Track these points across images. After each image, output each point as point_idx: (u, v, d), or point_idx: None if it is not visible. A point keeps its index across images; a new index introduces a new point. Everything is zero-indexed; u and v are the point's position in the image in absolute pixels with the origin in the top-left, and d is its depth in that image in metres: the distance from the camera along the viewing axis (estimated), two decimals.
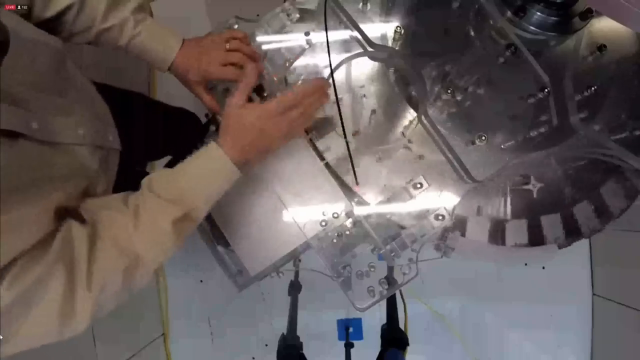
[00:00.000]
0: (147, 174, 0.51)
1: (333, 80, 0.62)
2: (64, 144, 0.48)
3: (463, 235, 0.65)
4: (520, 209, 0.66)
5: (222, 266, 0.67)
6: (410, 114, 0.65)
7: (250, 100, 0.63)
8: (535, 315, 1.44)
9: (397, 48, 0.65)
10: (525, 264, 1.44)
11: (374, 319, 1.16)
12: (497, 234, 0.66)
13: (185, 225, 0.48)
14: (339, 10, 0.65)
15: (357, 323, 1.37)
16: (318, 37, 0.65)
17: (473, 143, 0.59)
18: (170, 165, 0.70)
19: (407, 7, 0.67)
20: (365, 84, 0.66)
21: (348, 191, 0.64)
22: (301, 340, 0.99)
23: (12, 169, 0.39)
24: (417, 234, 0.61)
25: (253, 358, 1.52)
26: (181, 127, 0.91)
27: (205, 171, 0.49)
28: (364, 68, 0.66)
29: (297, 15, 0.66)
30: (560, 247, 0.68)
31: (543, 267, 1.44)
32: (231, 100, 0.51)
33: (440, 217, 0.61)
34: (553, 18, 0.60)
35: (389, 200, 0.63)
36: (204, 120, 0.95)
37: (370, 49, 0.65)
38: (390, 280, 0.62)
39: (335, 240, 0.63)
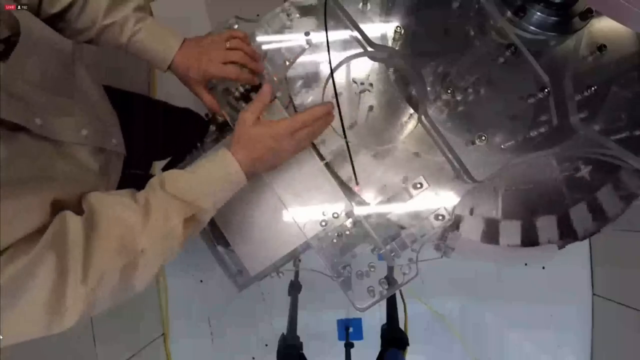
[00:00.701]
0: (148, 176, 0.51)
1: (333, 81, 0.62)
2: (66, 143, 0.48)
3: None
4: (515, 210, 0.66)
5: (222, 266, 0.67)
6: (408, 113, 0.65)
7: (249, 99, 0.64)
8: (535, 315, 1.44)
9: (397, 48, 0.65)
10: (525, 264, 1.44)
11: (374, 319, 1.16)
12: (491, 233, 0.66)
13: (191, 226, 0.48)
14: (339, 10, 0.65)
15: (357, 323, 1.37)
16: (318, 37, 0.65)
17: (473, 143, 0.59)
18: (170, 165, 0.70)
19: (407, 7, 0.67)
20: (365, 83, 0.66)
21: (348, 191, 0.64)
22: (301, 340, 0.99)
23: (12, 162, 0.39)
24: (417, 234, 0.61)
25: (253, 358, 1.52)
26: (183, 127, 0.91)
27: (217, 176, 0.50)
28: (363, 68, 0.66)
29: (297, 15, 0.66)
30: (560, 247, 0.68)
31: (543, 267, 1.44)
32: (245, 115, 0.53)
33: (440, 217, 0.61)
34: (553, 18, 0.60)
35: (389, 200, 0.63)
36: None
37: (370, 49, 0.65)
38: (390, 280, 0.62)
39: (335, 240, 0.63)
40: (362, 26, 0.64)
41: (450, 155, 0.62)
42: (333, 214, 0.62)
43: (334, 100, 0.62)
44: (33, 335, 0.39)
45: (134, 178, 0.64)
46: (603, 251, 1.39)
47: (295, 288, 1.13)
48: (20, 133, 0.42)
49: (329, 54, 0.63)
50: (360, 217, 0.62)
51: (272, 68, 0.65)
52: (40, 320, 0.38)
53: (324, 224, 0.62)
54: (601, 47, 0.63)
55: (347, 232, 0.64)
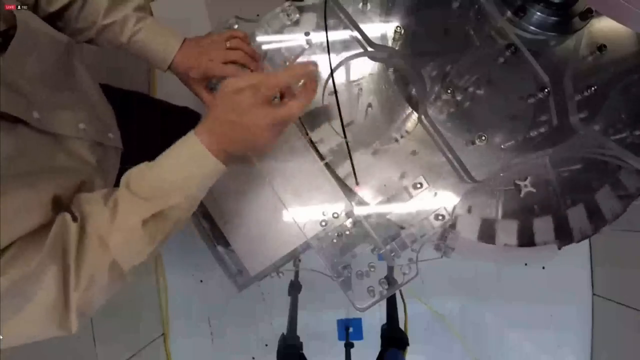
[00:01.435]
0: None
1: (333, 81, 0.62)
2: (64, 136, 0.48)
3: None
4: (512, 210, 0.66)
5: (222, 266, 0.67)
6: (406, 112, 0.65)
7: None
8: (535, 315, 1.44)
9: (397, 48, 0.65)
10: (525, 264, 1.44)
11: (374, 319, 1.16)
12: (487, 233, 0.66)
13: (160, 225, 0.44)
14: (339, 10, 0.65)
15: (357, 323, 1.37)
16: (318, 37, 0.65)
17: (473, 143, 0.59)
18: None
19: (407, 7, 0.67)
20: (365, 83, 0.66)
21: (348, 191, 0.64)
22: (301, 340, 0.99)
23: (12, 156, 0.39)
24: (417, 234, 0.61)
25: (253, 358, 1.52)
26: (182, 126, 0.91)
27: (181, 163, 0.45)
28: (363, 67, 0.66)
29: (297, 15, 0.66)
30: (559, 247, 0.68)
31: (543, 267, 1.44)
32: (226, 82, 0.44)
33: (440, 217, 0.61)
34: (553, 18, 0.60)
35: (388, 200, 0.63)
36: None
37: (370, 49, 0.65)
38: (390, 280, 0.62)
39: (335, 240, 0.63)
40: (362, 26, 0.64)
41: (450, 155, 0.62)
42: (333, 214, 0.62)
43: (335, 100, 0.62)
44: (36, 337, 0.40)
45: None
46: (603, 251, 1.39)
47: (295, 288, 1.13)
48: (19, 126, 0.42)
49: (328, 54, 0.63)
50: (360, 217, 0.62)
51: (272, 68, 0.65)
52: (45, 323, 0.39)
53: (324, 224, 0.62)
54: (601, 47, 0.63)
55: (347, 232, 0.64)
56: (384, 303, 1.03)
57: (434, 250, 0.67)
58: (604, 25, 0.65)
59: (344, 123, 0.63)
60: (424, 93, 0.62)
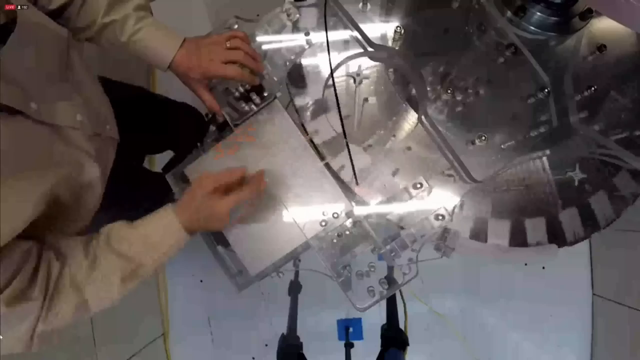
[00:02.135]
0: (143, 168, 0.51)
1: (333, 81, 0.62)
2: (62, 127, 0.50)
3: None
4: (505, 210, 0.66)
5: (222, 266, 0.67)
6: (408, 113, 0.65)
7: (249, 99, 0.64)
8: (535, 315, 1.44)
9: (397, 48, 0.65)
10: (525, 264, 1.44)
11: (374, 319, 1.16)
12: (479, 231, 0.66)
13: (132, 280, 0.52)
14: (339, 10, 0.65)
15: (357, 323, 1.37)
16: (318, 37, 0.65)
17: (473, 143, 0.59)
18: (171, 163, 0.70)
19: (407, 7, 0.67)
20: (364, 82, 0.66)
21: (348, 191, 0.64)
22: (301, 340, 0.99)
23: (10, 145, 0.41)
24: (417, 234, 0.61)
25: (253, 358, 1.52)
26: (182, 121, 0.91)
27: (158, 230, 0.54)
28: (363, 67, 0.66)
29: (298, 15, 0.66)
30: (559, 247, 0.68)
31: (543, 267, 1.44)
32: (203, 180, 0.55)
33: (440, 217, 0.61)
34: (553, 18, 0.60)
35: (388, 200, 0.63)
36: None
37: (370, 49, 0.65)
38: (390, 280, 0.62)
39: (335, 240, 0.63)
40: (362, 26, 0.64)
41: (450, 155, 0.62)
42: (333, 214, 0.62)
43: (334, 100, 0.62)
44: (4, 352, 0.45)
45: (127, 168, 0.68)
46: (603, 251, 1.39)
47: (295, 288, 1.13)
48: (18, 117, 0.43)
49: (329, 54, 0.63)
50: (360, 217, 0.62)
51: (272, 68, 0.65)
52: (10, 347, 0.45)
53: (324, 224, 0.62)
54: (601, 47, 0.63)
55: (347, 232, 0.64)
56: (384, 303, 1.03)
57: (434, 250, 0.67)
58: (604, 25, 0.65)
59: (340, 116, 0.63)
60: (424, 93, 0.62)
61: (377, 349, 0.94)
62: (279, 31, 0.66)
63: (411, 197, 0.62)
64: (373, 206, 0.63)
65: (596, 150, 0.62)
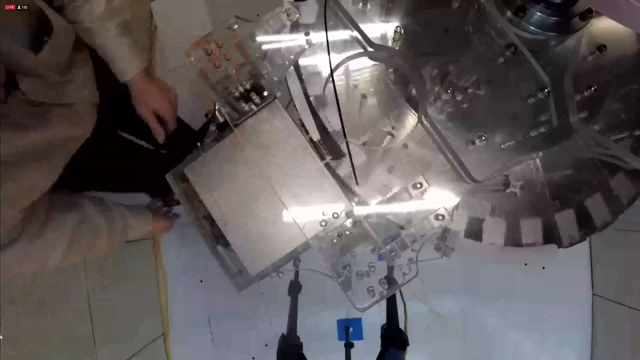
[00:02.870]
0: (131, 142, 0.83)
1: (333, 81, 0.62)
2: (74, 104, 0.62)
3: None
4: (501, 210, 0.66)
5: (222, 266, 0.67)
6: (408, 113, 0.65)
7: (249, 99, 0.64)
8: (535, 315, 1.44)
9: (397, 48, 0.65)
10: (525, 264, 1.44)
11: (374, 319, 1.16)
12: (475, 230, 0.66)
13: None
14: (339, 10, 0.65)
15: (357, 323, 1.37)
16: (318, 37, 0.65)
17: (473, 143, 0.59)
18: (171, 160, 0.73)
19: (407, 7, 0.67)
20: (364, 83, 0.66)
21: (348, 191, 0.64)
22: (301, 340, 0.99)
23: (41, 133, 0.55)
24: (417, 234, 0.61)
25: (253, 358, 1.52)
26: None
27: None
28: (363, 68, 0.66)
29: (298, 15, 0.66)
30: (560, 247, 0.68)
31: (543, 267, 1.43)
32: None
33: (440, 217, 0.61)
34: (553, 18, 0.60)
35: (389, 200, 0.63)
36: (203, 120, 0.95)
37: (370, 49, 0.65)
38: (390, 280, 0.62)
39: (335, 240, 0.63)
40: (362, 26, 0.64)
41: (450, 155, 0.62)
42: (333, 214, 0.62)
43: (334, 101, 0.62)
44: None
45: (127, 168, 0.89)
46: (603, 251, 1.39)
47: (295, 288, 1.13)
48: (44, 105, 0.56)
49: (329, 54, 0.63)
50: (360, 217, 0.62)
51: (272, 68, 0.65)
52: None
53: (324, 224, 0.62)
54: (601, 47, 0.63)
55: (347, 232, 0.64)
56: (384, 303, 1.03)
57: (434, 250, 0.67)
58: (604, 25, 0.65)
59: (337, 113, 0.63)
60: (424, 93, 0.62)
61: (377, 349, 0.94)
62: (279, 31, 0.66)
63: (411, 197, 0.62)
64: (373, 206, 0.63)
65: (596, 150, 0.62)
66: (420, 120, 0.63)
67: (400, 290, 1.22)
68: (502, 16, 0.61)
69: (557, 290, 1.42)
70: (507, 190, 0.66)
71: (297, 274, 1.13)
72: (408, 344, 0.93)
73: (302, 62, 0.67)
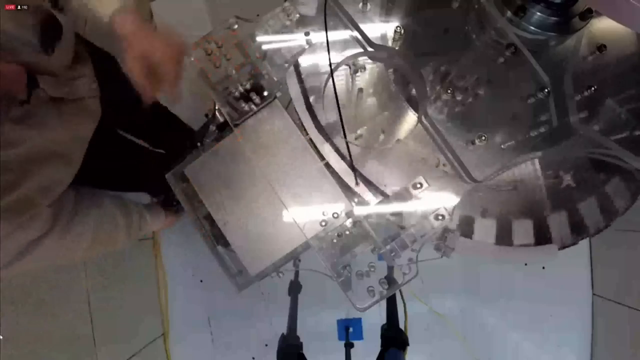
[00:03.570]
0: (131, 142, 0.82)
1: (333, 81, 0.62)
2: (84, 98, 0.64)
3: None
4: (493, 209, 0.66)
5: (222, 266, 0.67)
6: (408, 113, 0.65)
7: (249, 99, 0.64)
8: (535, 315, 1.44)
9: (397, 48, 0.65)
10: (525, 264, 1.44)
11: (374, 319, 1.16)
12: (466, 229, 0.67)
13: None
14: (339, 10, 0.65)
15: (357, 323, 1.37)
16: (318, 37, 0.65)
17: (473, 143, 0.59)
18: (170, 158, 0.73)
19: (407, 7, 0.67)
20: (363, 79, 0.66)
21: (348, 191, 0.64)
22: (301, 340, 0.99)
23: (57, 130, 0.57)
24: (417, 234, 0.61)
25: (253, 358, 1.52)
26: (170, 136, 0.99)
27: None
28: (362, 64, 0.66)
29: (297, 15, 0.66)
30: (560, 248, 0.68)
31: (543, 267, 1.44)
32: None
33: (440, 217, 0.61)
34: (553, 18, 0.60)
35: (389, 200, 0.63)
36: (203, 120, 0.95)
37: (370, 49, 0.65)
38: (390, 280, 0.62)
39: (335, 240, 0.63)
40: (362, 26, 0.64)
41: (450, 155, 0.62)
42: (333, 214, 0.62)
43: (335, 101, 0.62)
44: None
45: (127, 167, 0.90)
46: (603, 251, 1.39)
47: (295, 288, 1.13)
48: (57, 101, 0.58)
49: (329, 54, 0.63)
50: (360, 217, 0.62)
51: (272, 68, 0.65)
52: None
53: (324, 224, 0.62)
54: (601, 47, 0.62)
55: (347, 232, 0.64)
56: (384, 303, 1.03)
57: (434, 250, 0.67)
58: (604, 25, 0.65)
59: (340, 117, 0.63)
60: (424, 93, 0.62)
61: (377, 349, 0.94)
62: (279, 31, 0.66)
63: (411, 197, 0.62)
64: (373, 206, 0.63)
65: (596, 150, 0.62)
66: (420, 120, 0.63)
67: (400, 290, 1.22)
68: (502, 16, 0.61)
69: (557, 290, 1.42)
70: (501, 190, 0.66)
71: (297, 274, 1.13)
72: (408, 344, 0.93)
73: (302, 62, 0.67)
